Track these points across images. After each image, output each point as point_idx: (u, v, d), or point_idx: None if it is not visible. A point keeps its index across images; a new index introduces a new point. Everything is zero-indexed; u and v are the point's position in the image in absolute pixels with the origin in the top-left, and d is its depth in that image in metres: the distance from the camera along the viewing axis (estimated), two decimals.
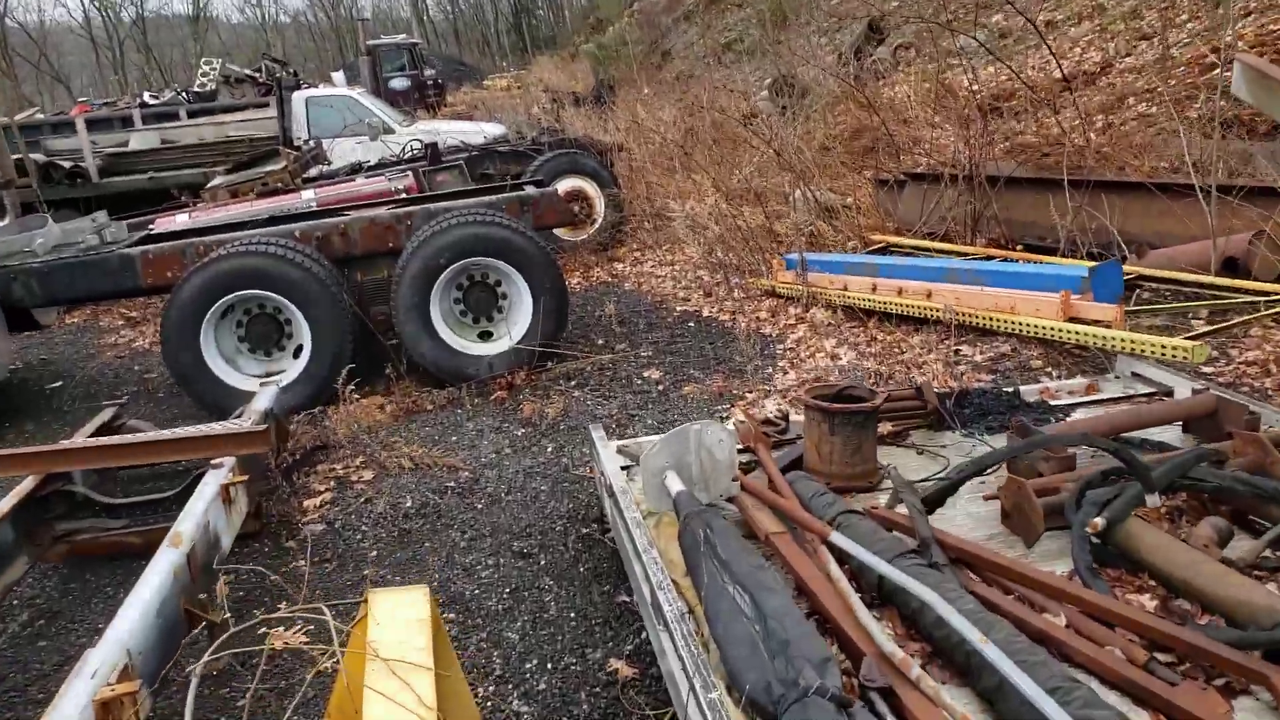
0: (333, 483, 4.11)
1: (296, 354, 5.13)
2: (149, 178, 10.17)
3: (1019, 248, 5.80)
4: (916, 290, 4.94)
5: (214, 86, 15.92)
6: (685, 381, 4.85)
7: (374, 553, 3.51)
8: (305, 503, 3.93)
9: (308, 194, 7.70)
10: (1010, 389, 3.45)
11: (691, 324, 5.89)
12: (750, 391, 4.49)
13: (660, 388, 4.82)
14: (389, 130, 10.89)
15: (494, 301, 5.31)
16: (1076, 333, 3.92)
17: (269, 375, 5.14)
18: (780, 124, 8.99)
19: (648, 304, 6.48)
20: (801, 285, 5.72)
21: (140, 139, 11.17)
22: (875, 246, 6.55)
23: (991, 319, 4.43)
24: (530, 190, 5.99)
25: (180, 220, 7.30)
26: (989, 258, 5.50)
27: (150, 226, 7.05)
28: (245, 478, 3.46)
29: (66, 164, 10.07)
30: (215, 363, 4.97)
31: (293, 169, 8.27)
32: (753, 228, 6.77)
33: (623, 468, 3.05)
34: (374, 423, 4.73)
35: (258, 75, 13.57)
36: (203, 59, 17.78)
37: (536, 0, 62.25)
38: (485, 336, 5.34)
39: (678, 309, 6.27)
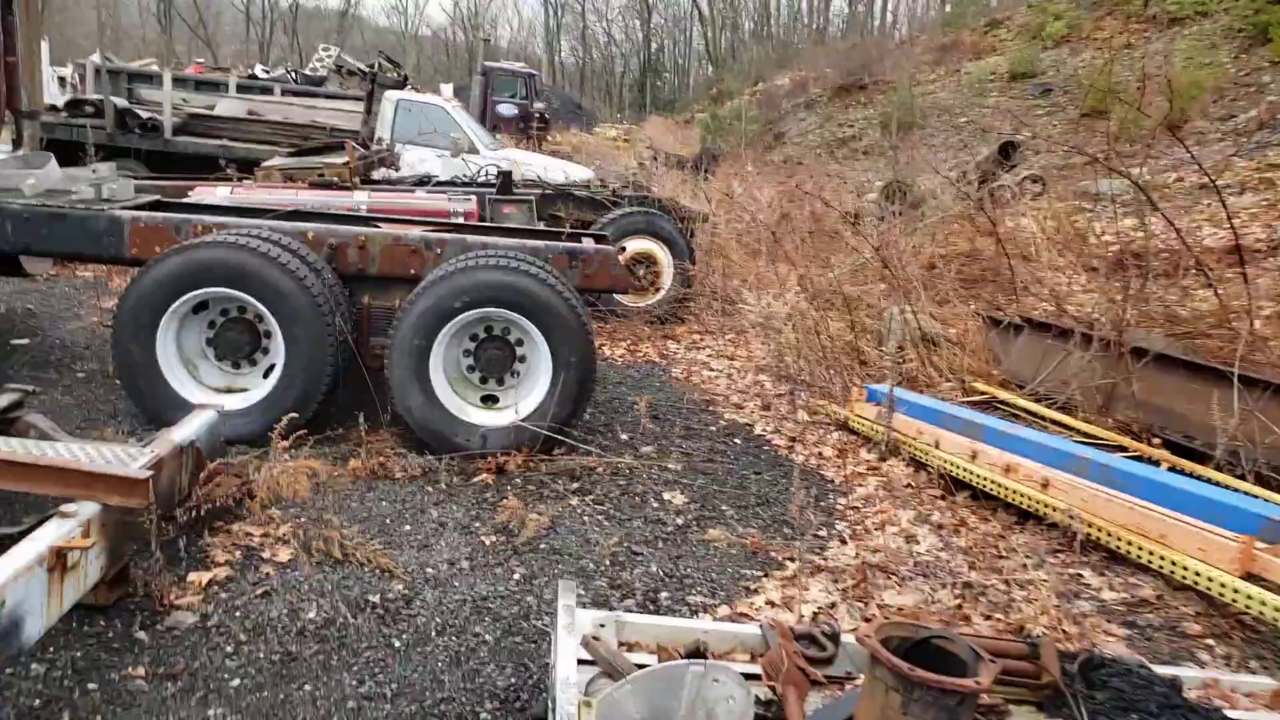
0: (238, 554, 3.19)
1: (267, 374, 4.30)
2: (221, 144, 9.71)
3: (1157, 442, 4.68)
4: (1029, 473, 3.87)
5: (325, 73, 15.77)
6: (713, 520, 3.84)
7: (237, 681, 2.55)
8: (191, 576, 3.02)
9: (360, 195, 7.02)
10: (1167, 676, 2.36)
11: (738, 440, 4.89)
12: (792, 559, 3.45)
13: (680, 520, 3.81)
14: (472, 149, 10.29)
15: (509, 364, 4.41)
16: (1260, 602, 2.81)
17: (229, 391, 4.31)
18: (889, 228, 8.04)
19: (692, 402, 5.50)
20: (883, 427, 4.69)
21: (228, 105, 10.81)
22: (977, 397, 5.48)
23: (1131, 544, 3.33)
24: (586, 244, 5.13)
25: (220, 193, 6.67)
26: (1121, 449, 4.39)
27: (189, 194, 6.46)
28: (93, 542, 2.56)
29: (144, 115, 9.68)
30: (169, 365, 4.15)
31: (354, 166, 7.62)
32: (835, 340, 5.78)
33: (585, 677, 2.05)
34: (326, 480, 3.82)
35: (369, 70, 13.29)
36: (321, 45, 17.79)
37: (665, 63, 63.30)
38: (489, 402, 4.44)
39: (726, 416, 5.28)
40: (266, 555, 3.20)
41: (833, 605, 3.10)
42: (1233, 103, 16.96)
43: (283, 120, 10.63)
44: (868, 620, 2.95)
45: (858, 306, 6.99)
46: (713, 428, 5.04)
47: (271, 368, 4.25)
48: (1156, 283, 8.37)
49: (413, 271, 4.62)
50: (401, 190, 7.53)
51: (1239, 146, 13.95)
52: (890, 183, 14.18)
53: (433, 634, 2.84)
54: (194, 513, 3.18)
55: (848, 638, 2.36)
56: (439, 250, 4.63)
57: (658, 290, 7.72)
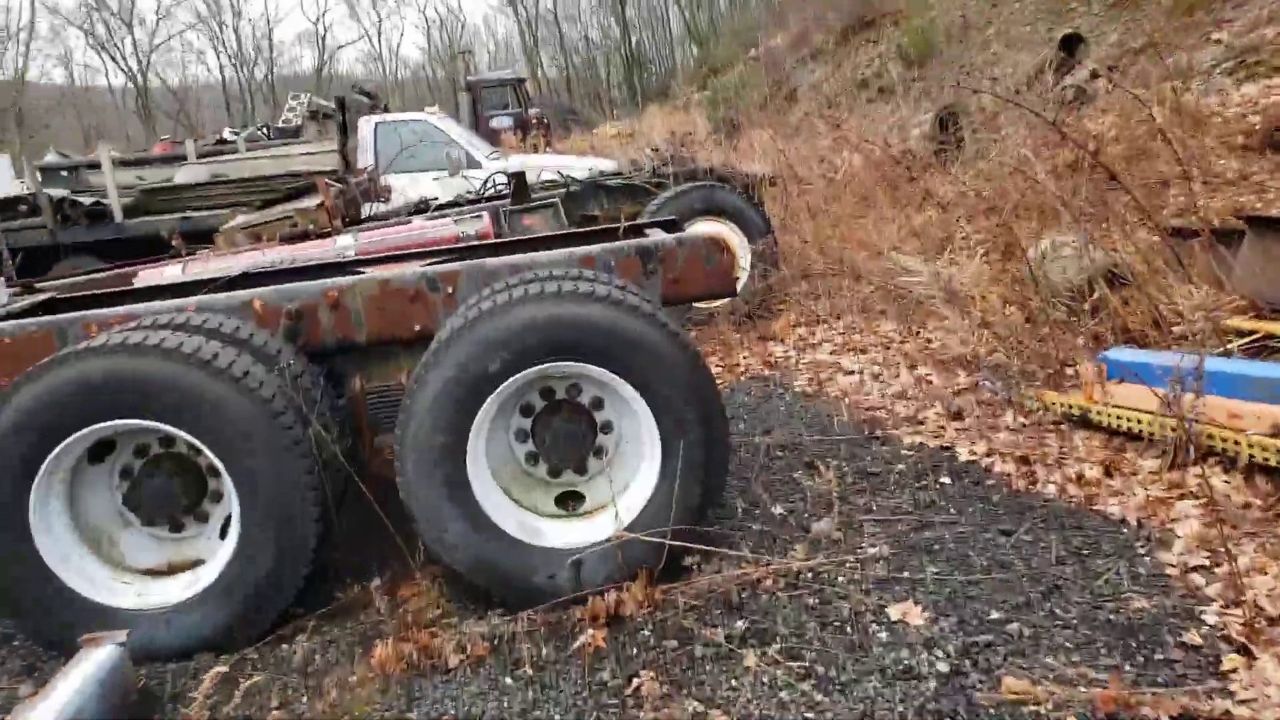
0: None
1: (225, 532, 2.75)
2: (181, 217, 8.29)
3: None
4: None
5: (299, 121, 14.41)
6: (993, 649, 2.20)
7: None
8: None
9: (345, 239, 5.53)
10: None
11: (945, 478, 3.23)
12: None
13: (940, 664, 2.18)
14: (472, 164, 8.75)
15: (590, 440, 2.81)
16: None
17: (171, 571, 2.78)
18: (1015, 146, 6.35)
19: (845, 426, 3.85)
20: (1173, 415, 3.00)
21: (188, 173, 9.40)
22: (1243, 340, 3.76)
23: None
24: (658, 236, 3.53)
25: (169, 273, 5.22)
26: None
27: (134, 280, 5.05)
28: None
29: (87, 200, 8.30)
30: (61, 553, 2.62)
31: (331, 206, 6.11)
32: (1015, 305, 4.10)
33: None
34: (339, 699, 2.26)
35: (337, 100, 11.83)
36: (290, 94, 16.47)
37: (648, 54, 61.60)
38: (569, 504, 2.85)
39: (906, 441, 3.61)
40: None
41: None
42: None
43: (253, 176, 9.21)
44: None
45: (1014, 254, 5.30)
46: (898, 466, 3.38)
47: (228, 522, 2.70)
48: None
49: (418, 328, 3.06)
50: (395, 224, 6.01)
51: None
52: (942, 110, 12.36)
53: None
54: None
55: None
56: (449, 287, 3.06)
57: (736, 279, 6.08)
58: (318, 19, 50.85)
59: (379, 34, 54.71)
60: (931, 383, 4.15)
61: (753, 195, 6.27)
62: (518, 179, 6.21)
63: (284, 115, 14.69)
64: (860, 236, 6.49)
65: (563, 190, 6.34)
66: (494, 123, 17.61)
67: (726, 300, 6.02)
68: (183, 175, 9.33)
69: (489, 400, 2.60)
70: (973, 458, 3.36)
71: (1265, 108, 8.08)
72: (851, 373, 4.49)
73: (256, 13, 48.30)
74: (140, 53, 46.64)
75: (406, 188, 8.54)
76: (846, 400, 4.16)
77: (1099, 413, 3.36)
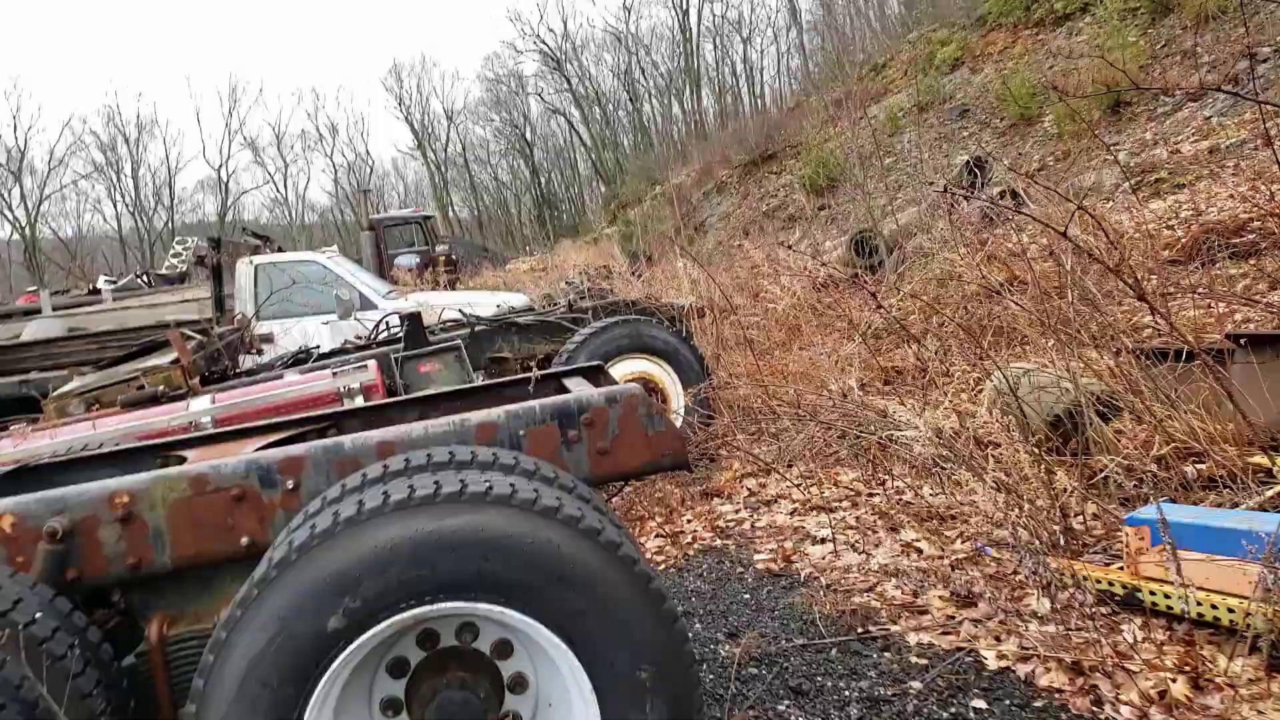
0: None
1: None
2: (20, 380, 7.13)
3: None
4: None
5: (185, 268, 13.41)
6: None
7: None
8: None
9: (200, 402, 4.58)
10: None
11: (979, 702, 2.41)
12: None
13: None
14: (367, 305, 7.93)
15: (492, 703, 1.90)
16: None
17: None
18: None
19: (828, 622, 3.01)
20: (1262, 597, 2.29)
21: (38, 327, 8.27)
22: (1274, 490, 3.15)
23: None
24: (581, 389, 2.75)
25: None
26: None
27: None
28: None
29: None
30: None
31: (188, 364, 5.15)
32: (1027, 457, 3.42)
33: None
34: None
35: (211, 241, 10.86)
36: (175, 239, 15.46)
37: (557, 193, 63.12)
38: None
39: (911, 639, 2.80)
40: None
41: None
42: (1164, 75, 15.90)
43: (118, 329, 8.15)
44: None
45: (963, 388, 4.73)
46: (913, 685, 2.54)
47: None
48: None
49: (247, 541, 2.15)
50: (265, 380, 5.10)
51: (1205, 109, 12.56)
52: (857, 233, 12.30)
53: None
54: None
55: None
56: (290, 480, 2.19)
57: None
58: (220, 165, 50.32)
59: (285, 179, 54.22)
60: (922, 551, 3.39)
61: (682, 329, 5.61)
62: (412, 320, 5.41)
63: (168, 261, 13.67)
64: (799, 369, 5.87)
65: (466, 331, 5.56)
66: (399, 261, 16.94)
67: None
68: (31, 330, 8.19)
69: (333, 669, 1.69)
70: (1004, 663, 2.56)
71: (1185, 220, 8.06)
72: (821, 540, 3.70)
73: (156, 160, 47.40)
74: (29, 203, 44.92)
75: (293, 336, 7.63)
76: (823, 580, 3.33)
77: (1145, 591, 2.63)
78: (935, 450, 2.83)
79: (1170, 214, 8.49)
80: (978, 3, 25.23)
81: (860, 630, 2.89)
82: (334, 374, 4.81)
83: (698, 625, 3.16)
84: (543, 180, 62.46)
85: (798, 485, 4.34)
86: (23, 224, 43.27)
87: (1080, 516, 3.25)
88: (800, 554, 3.63)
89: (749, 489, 4.63)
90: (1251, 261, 6.30)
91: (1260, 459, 3.31)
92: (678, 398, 5.32)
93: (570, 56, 53.30)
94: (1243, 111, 10.44)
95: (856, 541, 3.60)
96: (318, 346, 5.95)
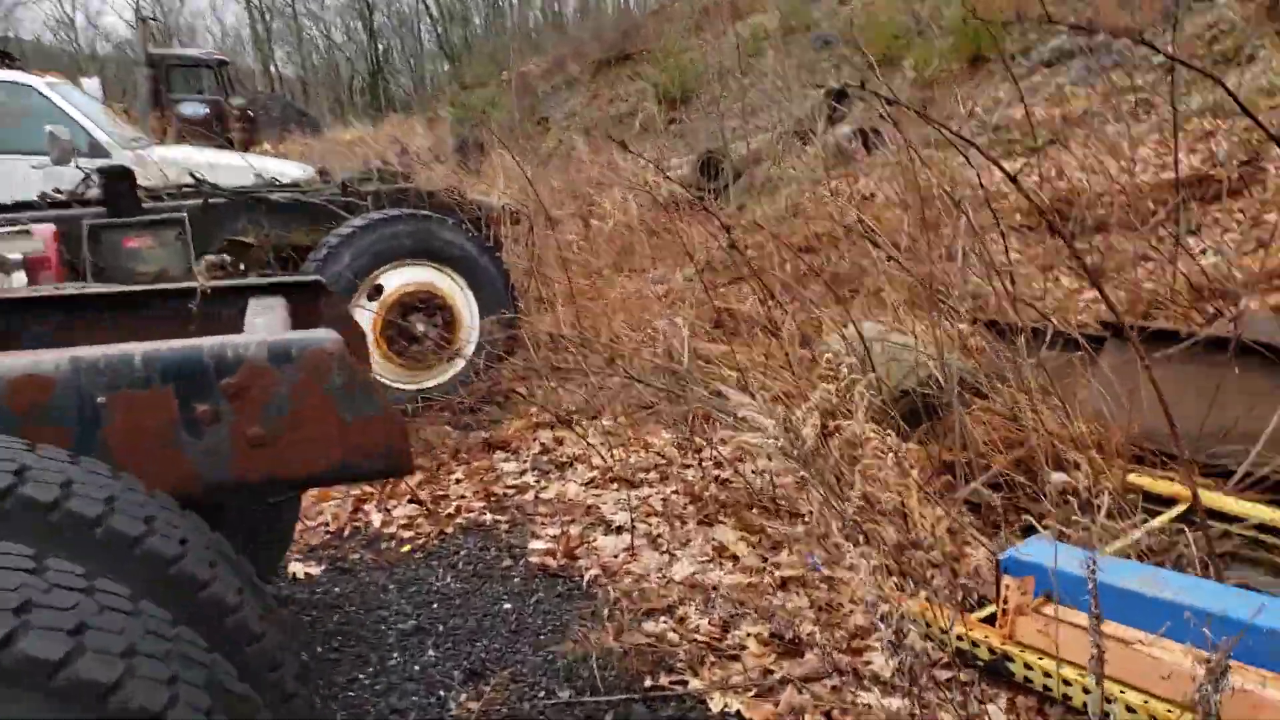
0: None
1: None
2: None
3: None
4: None
5: None
6: None
7: None
8: None
9: None
10: None
11: None
12: None
13: None
14: (99, 151, 6.24)
15: None
16: None
17: None
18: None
19: (609, 660, 2.22)
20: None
21: None
22: (1172, 511, 2.65)
23: None
24: (264, 317, 1.72)
25: None
26: None
27: None
28: None
29: None
30: None
31: None
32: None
33: None
34: None
35: None
36: None
37: (396, 64, 58.09)
38: None
39: (714, 703, 2.05)
40: None
41: None
42: (1025, 36, 15.98)
43: None
44: None
45: (808, 343, 4.07)
46: None
47: None
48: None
49: None
50: None
51: (1060, 75, 12.61)
52: (704, 154, 11.55)
53: None
54: None
55: None
56: None
57: (455, 357, 4.31)
58: None
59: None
60: (738, 560, 2.65)
61: (487, 236, 4.56)
62: (117, 177, 4.04)
63: None
64: (624, 300, 5.03)
65: (197, 203, 4.24)
66: (183, 109, 14.40)
67: (438, 383, 4.26)
68: None
69: None
70: None
71: (1032, 187, 7.81)
72: (617, 530, 2.89)
73: None
74: None
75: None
76: (611, 590, 2.53)
77: (1031, 667, 2.01)
78: (783, 450, 2.06)
79: (1021, 177, 8.24)
80: None
81: (649, 684, 2.11)
82: None
83: (431, 652, 2.29)
84: (380, 47, 57.19)
85: (600, 445, 3.51)
86: None
87: (929, 526, 2.62)
88: (588, 546, 2.81)
89: (543, 443, 3.75)
90: (1101, 236, 6.01)
91: (1141, 478, 2.80)
92: (471, 322, 4.30)
93: None
94: (1096, 82, 10.37)
95: (660, 536, 2.83)
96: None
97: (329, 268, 4.02)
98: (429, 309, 4.28)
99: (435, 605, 2.53)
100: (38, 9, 45.51)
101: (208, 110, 14.61)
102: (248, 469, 1.43)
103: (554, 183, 9.63)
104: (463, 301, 4.36)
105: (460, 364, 4.37)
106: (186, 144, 8.57)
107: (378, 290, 4.20)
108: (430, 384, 4.34)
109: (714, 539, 2.77)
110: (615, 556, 2.72)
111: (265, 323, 1.78)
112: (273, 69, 55.48)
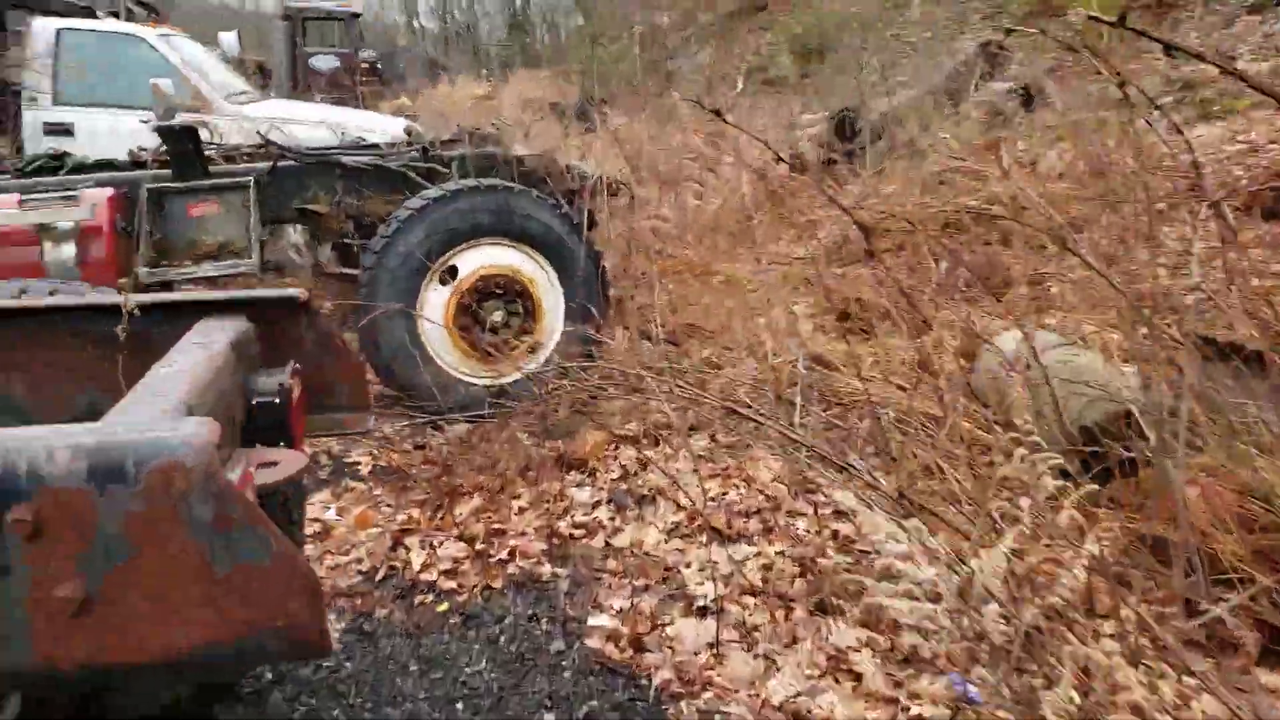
0: None
1: None
2: None
3: None
4: None
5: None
6: None
7: None
8: None
9: None
10: None
11: None
12: None
13: None
14: (199, 104, 5.99)
15: None
16: None
17: None
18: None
19: None
20: None
21: None
22: None
23: None
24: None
25: None
26: None
27: None
28: None
29: None
30: None
31: None
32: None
33: None
34: None
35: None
36: None
37: (532, 19, 57.90)
38: None
39: None
40: None
41: None
42: None
43: None
44: None
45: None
46: None
47: None
48: None
49: None
50: None
51: (1268, 24, 10.81)
52: (841, 111, 10.44)
53: None
54: None
55: None
56: None
57: (533, 350, 3.74)
58: None
59: None
60: (861, 680, 1.97)
61: (580, 211, 3.94)
62: (181, 138, 3.66)
63: None
64: (731, 286, 4.33)
65: (266, 166, 3.81)
66: (314, 63, 14.42)
67: (510, 384, 3.72)
68: None
69: None
70: None
71: (1235, 155, 6.55)
72: (702, 610, 2.26)
73: None
74: None
75: (99, 133, 5.77)
76: (685, 709, 1.91)
77: None
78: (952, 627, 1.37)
79: (1221, 145, 6.93)
80: None
81: None
82: (22, 203, 3.11)
83: None
84: (518, 2, 57.05)
85: (689, 475, 2.87)
86: None
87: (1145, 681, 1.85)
88: (661, 634, 2.20)
89: (624, 465, 3.15)
90: None
91: None
92: (555, 315, 3.72)
93: None
94: None
95: (757, 627, 2.18)
96: (66, 155, 4.11)
97: (397, 245, 3.52)
98: (508, 295, 3.72)
99: (460, 705, 1.98)
100: None
101: (338, 64, 14.58)
102: (59, 651, 0.88)
103: (664, 146, 8.90)
104: (546, 287, 3.78)
105: (539, 358, 3.81)
106: (300, 102, 8.29)
107: (452, 272, 3.67)
108: (508, 380, 3.79)
109: (829, 640, 2.09)
110: (695, 654, 2.10)
111: (178, 370, 1.23)
112: (416, 23, 56.36)
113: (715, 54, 22.83)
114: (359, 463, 3.37)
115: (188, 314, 1.51)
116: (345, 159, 3.88)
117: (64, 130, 5.98)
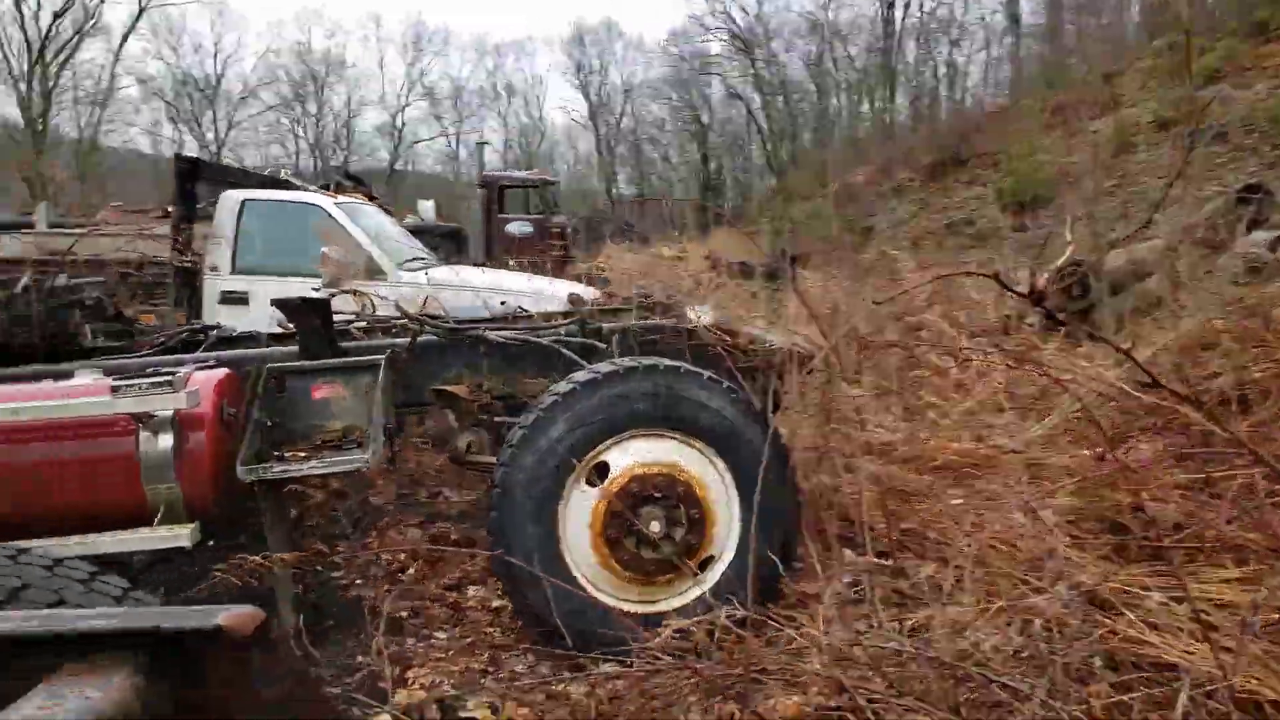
0: None
1: None
2: None
3: None
4: None
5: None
6: None
7: None
8: None
9: None
10: None
11: None
12: None
13: None
14: (376, 272, 5.92)
15: None
16: None
17: None
18: None
19: None
20: None
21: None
22: None
23: None
24: None
25: None
26: None
27: None
28: None
29: None
30: None
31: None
32: None
33: None
34: None
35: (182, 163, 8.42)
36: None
37: (724, 180, 60.41)
38: None
39: None
40: None
41: None
42: None
43: (93, 259, 6.55)
44: None
45: None
46: None
47: None
48: None
49: None
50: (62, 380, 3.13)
51: None
52: (1069, 264, 9.14)
53: None
54: None
55: None
56: None
57: (697, 576, 2.90)
58: (396, 113, 51.21)
59: (457, 136, 53.79)
60: None
61: (763, 393, 3.15)
62: (310, 312, 3.27)
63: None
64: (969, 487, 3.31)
65: (403, 342, 3.35)
66: (510, 228, 15.10)
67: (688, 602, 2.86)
68: None
69: None
70: None
71: None
72: None
73: (339, 101, 48.51)
74: (219, 129, 46.93)
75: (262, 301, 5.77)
76: None
77: None
78: None
79: None
80: (1253, 7, 20.66)
81: None
82: (114, 389, 2.73)
83: None
84: (711, 166, 59.87)
85: None
86: (213, 148, 45.20)
87: None
88: None
89: None
90: None
91: None
92: (727, 524, 2.89)
93: (760, 40, 50.14)
94: None
95: None
96: (210, 327, 3.91)
97: (536, 438, 2.87)
98: (670, 499, 2.93)
99: None
100: (430, 146, 53.97)
101: (531, 229, 15.17)
102: None
103: (870, 303, 8.02)
104: (719, 490, 2.97)
105: (712, 580, 2.96)
106: (482, 269, 8.27)
107: (602, 471, 2.95)
108: (668, 606, 2.96)
109: None
110: None
111: None
112: (614, 191, 60.44)
113: (915, 209, 22.10)
114: None
115: (32, 660, 0.84)
116: (490, 334, 3.35)
117: (239, 299, 6.06)
